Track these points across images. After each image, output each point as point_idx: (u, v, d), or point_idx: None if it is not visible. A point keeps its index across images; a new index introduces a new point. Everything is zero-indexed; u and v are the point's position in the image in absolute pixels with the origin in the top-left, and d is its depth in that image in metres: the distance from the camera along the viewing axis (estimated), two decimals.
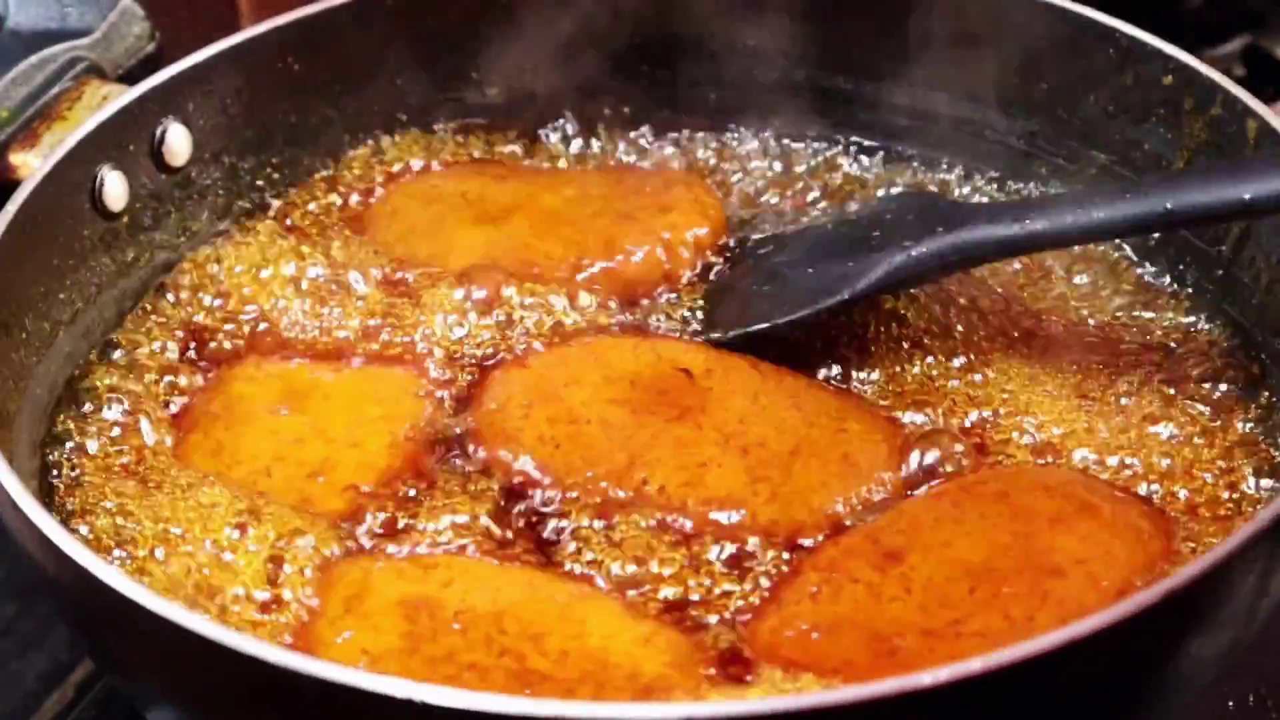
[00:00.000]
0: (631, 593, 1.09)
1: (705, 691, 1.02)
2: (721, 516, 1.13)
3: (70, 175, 1.23)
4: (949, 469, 1.16)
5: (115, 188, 1.26)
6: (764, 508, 1.13)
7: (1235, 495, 1.15)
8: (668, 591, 1.09)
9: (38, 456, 1.17)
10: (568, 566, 1.10)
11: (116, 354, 1.26)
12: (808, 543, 1.12)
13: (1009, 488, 1.14)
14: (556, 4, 1.39)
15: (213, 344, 1.27)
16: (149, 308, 1.29)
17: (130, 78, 1.34)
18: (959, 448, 1.17)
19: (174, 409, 1.22)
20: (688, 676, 1.03)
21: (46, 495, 1.15)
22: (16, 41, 1.33)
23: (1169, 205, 1.16)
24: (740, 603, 1.09)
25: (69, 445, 1.19)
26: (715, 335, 1.25)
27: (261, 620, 1.07)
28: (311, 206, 1.37)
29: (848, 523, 1.13)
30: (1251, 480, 1.16)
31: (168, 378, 1.24)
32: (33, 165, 1.25)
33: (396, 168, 1.40)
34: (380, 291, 1.29)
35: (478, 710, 0.90)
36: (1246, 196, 1.13)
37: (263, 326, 1.28)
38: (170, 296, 1.30)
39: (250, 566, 1.10)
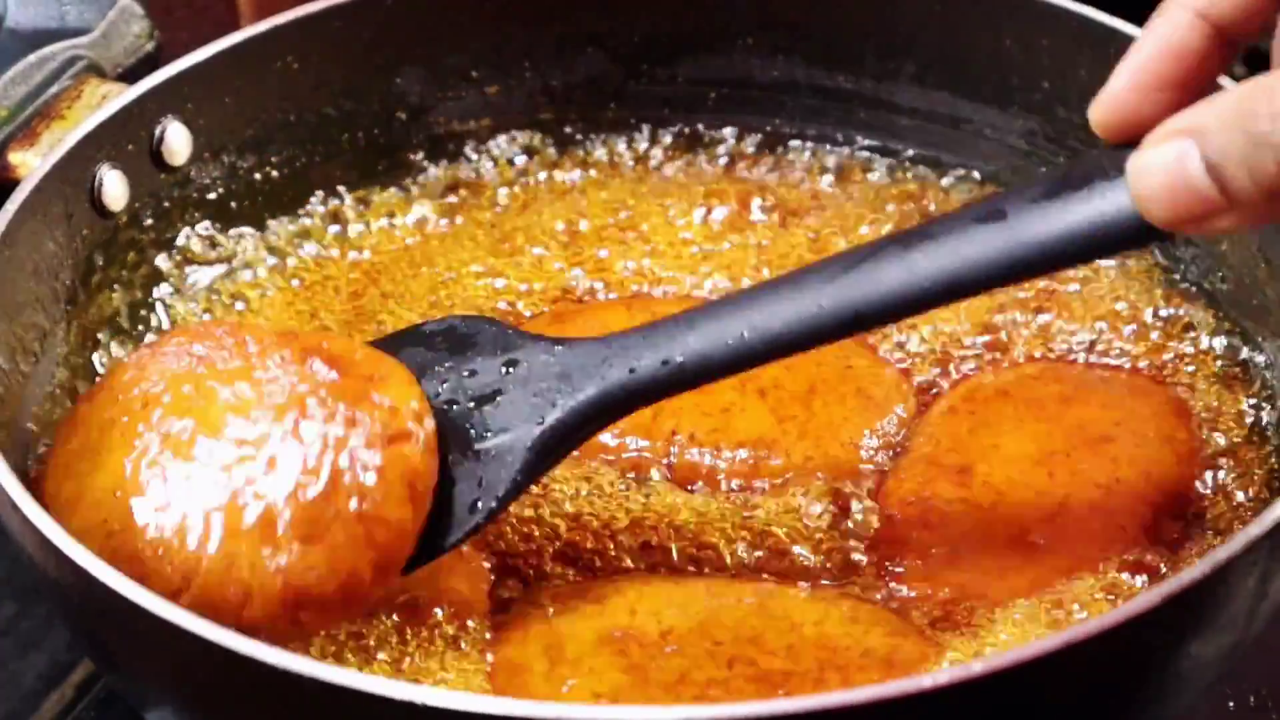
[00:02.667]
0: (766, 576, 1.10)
1: (943, 649, 1.04)
2: (759, 456, 1.15)
3: (69, 174, 1.23)
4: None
5: (114, 187, 1.26)
6: (796, 445, 1.16)
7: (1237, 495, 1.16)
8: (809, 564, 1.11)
9: (38, 457, 1.16)
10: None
11: (116, 353, 1.26)
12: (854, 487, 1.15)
13: (1003, 387, 1.19)
14: (556, 3, 1.39)
15: None
16: (149, 307, 1.29)
17: (129, 77, 1.33)
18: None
19: None
20: (917, 641, 1.04)
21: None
22: (15, 40, 1.33)
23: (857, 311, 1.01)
24: (862, 559, 1.12)
25: None
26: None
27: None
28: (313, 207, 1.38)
29: (878, 456, 1.16)
30: (1252, 472, 1.16)
31: None
32: (32, 164, 1.25)
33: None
34: None
35: (478, 711, 0.90)
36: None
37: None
38: (170, 296, 1.30)
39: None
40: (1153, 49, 0.97)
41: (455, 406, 1.06)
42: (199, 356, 1.08)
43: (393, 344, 1.11)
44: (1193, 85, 0.96)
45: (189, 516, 1.01)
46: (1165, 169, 0.91)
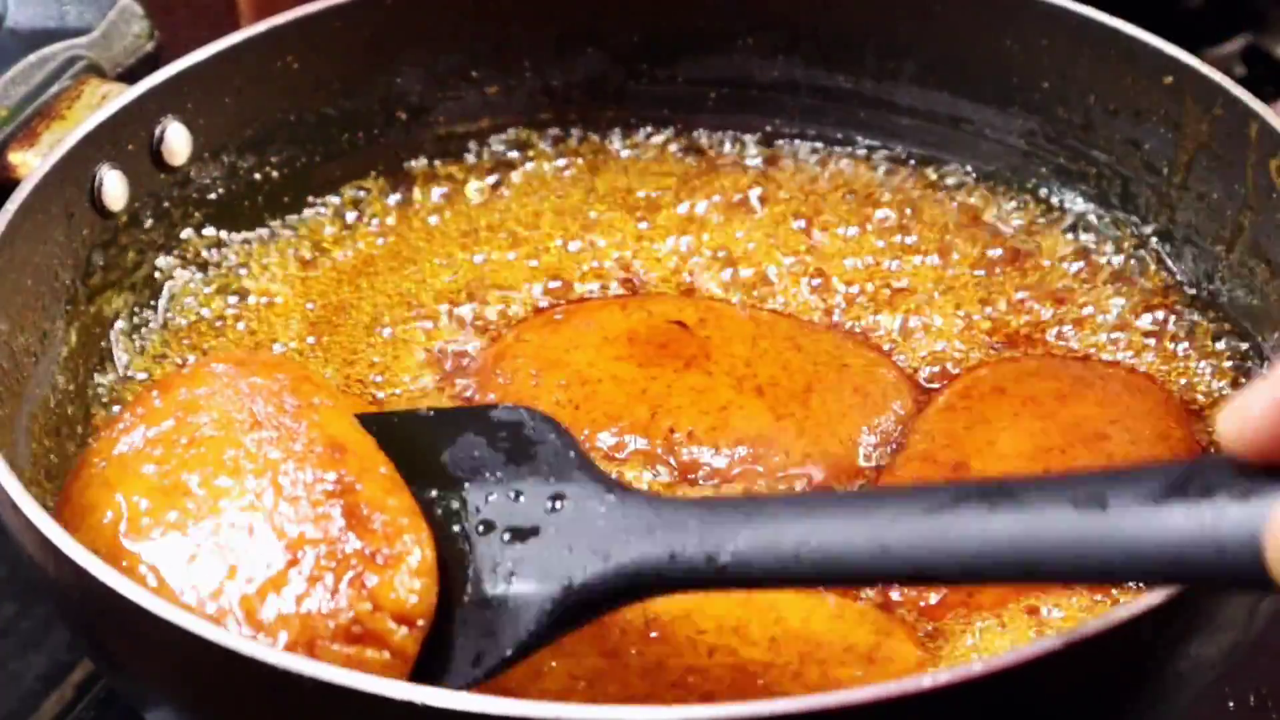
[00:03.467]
0: None
1: (929, 649, 1.04)
2: (759, 453, 1.15)
3: (69, 174, 1.23)
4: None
5: (114, 187, 1.26)
6: (795, 443, 1.16)
7: None
8: None
9: (37, 457, 1.16)
10: None
11: (116, 353, 1.26)
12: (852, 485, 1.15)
13: (999, 383, 1.19)
14: (556, 3, 1.39)
15: (212, 345, 1.27)
16: (149, 307, 1.29)
17: (129, 76, 1.33)
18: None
19: None
20: (902, 639, 1.04)
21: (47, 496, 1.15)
22: (15, 40, 1.33)
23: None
24: None
25: (69, 447, 1.19)
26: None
27: None
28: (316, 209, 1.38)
29: (875, 453, 1.16)
30: None
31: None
32: (32, 164, 1.25)
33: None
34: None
35: (478, 711, 0.90)
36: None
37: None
38: (170, 296, 1.30)
39: None
40: None
41: (489, 532, 0.99)
42: (228, 419, 1.04)
43: (455, 424, 1.03)
44: None
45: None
46: None
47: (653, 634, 1.04)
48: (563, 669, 1.02)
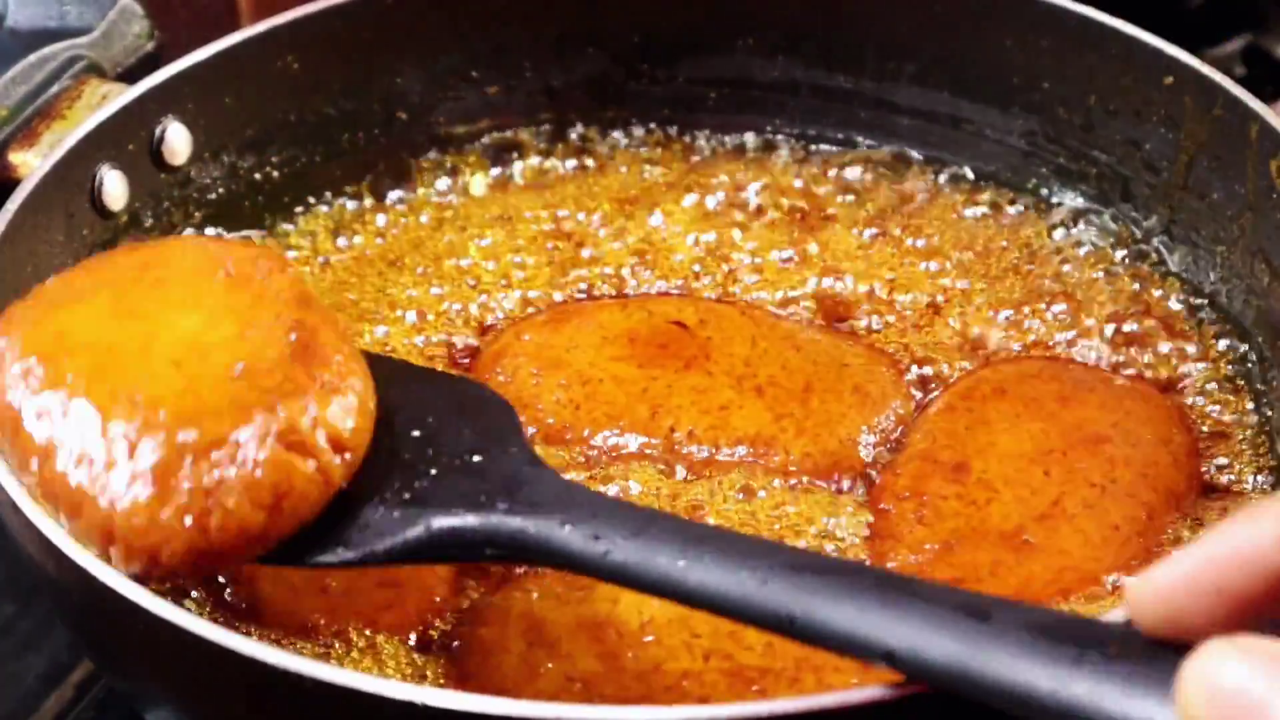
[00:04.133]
0: None
1: None
2: (759, 453, 1.15)
3: (70, 174, 1.23)
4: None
5: (115, 187, 1.26)
6: (795, 442, 1.16)
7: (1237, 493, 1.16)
8: None
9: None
10: None
11: None
12: (847, 484, 1.15)
13: (1001, 384, 1.19)
14: (556, 3, 1.39)
15: None
16: None
17: (129, 76, 1.33)
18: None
19: None
20: None
21: None
22: (15, 40, 1.33)
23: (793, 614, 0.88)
24: (853, 544, 1.11)
25: None
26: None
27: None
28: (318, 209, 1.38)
29: (874, 452, 1.16)
30: (1250, 479, 1.16)
31: None
32: (32, 164, 1.25)
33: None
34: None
35: (478, 711, 0.90)
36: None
37: None
38: None
39: None
40: (1225, 552, 0.80)
41: (406, 449, 1.02)
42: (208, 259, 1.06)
43: (420, 375, 1.09)
44: (1263, 605, 0.80)
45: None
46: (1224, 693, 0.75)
47: (648, 638, 1.04)
48: (559, 670, 1.02)
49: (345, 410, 1.00)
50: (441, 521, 0.98)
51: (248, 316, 1.02)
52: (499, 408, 1.05)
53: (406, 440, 1.02)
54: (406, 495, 0.99)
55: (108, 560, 0.97)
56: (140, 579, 0.97)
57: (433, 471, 1.00)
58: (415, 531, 0.98)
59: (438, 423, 1.03)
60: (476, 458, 1.01)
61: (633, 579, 0.93)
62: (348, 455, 0.99)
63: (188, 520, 0.96)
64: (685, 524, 0.98)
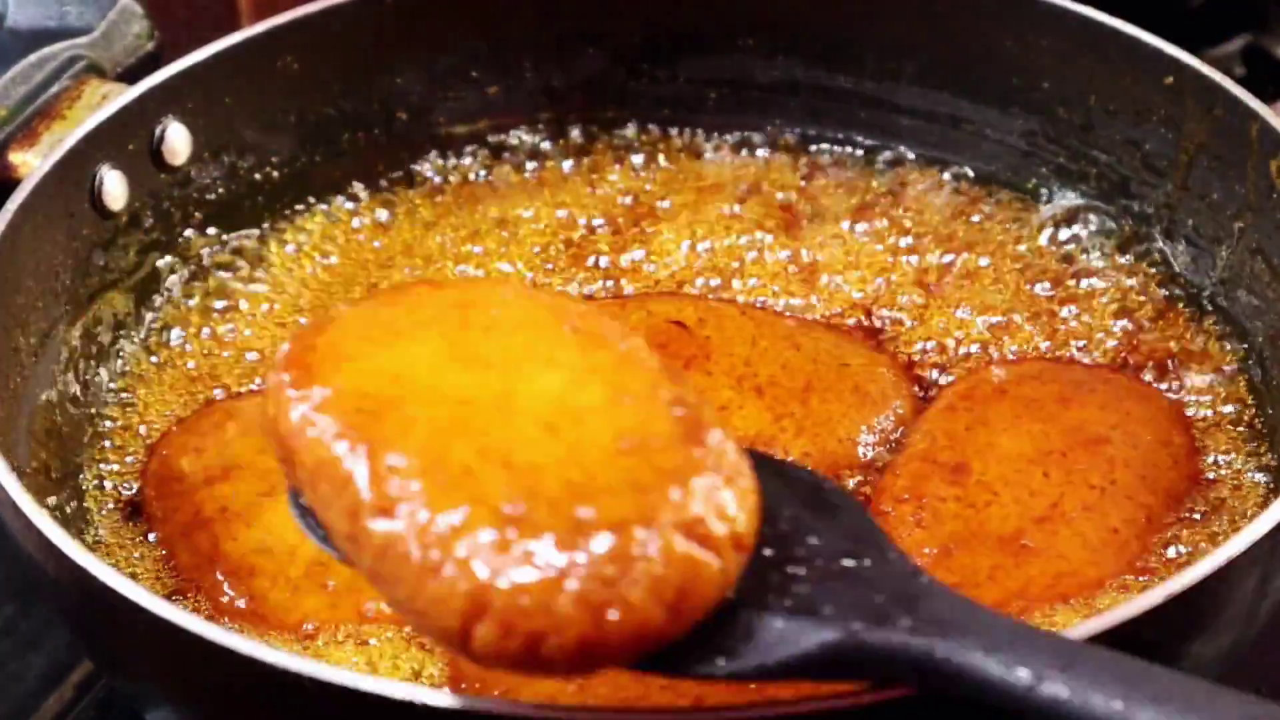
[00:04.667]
0: None
1: None
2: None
3: (70, 174, 1.23)
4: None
5: (115, 187, 1.26)
6: (794, 442, 1.16)
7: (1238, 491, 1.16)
8: None
9: (37, 457, 1.17)
10: None
11: (116, 353, 1.26)
12: (851, 483, 1.15)
13: (1001, 385, 1.19)
14: (556, 3, 1.39)
15: (213, 345, 1.27)
16: (149, 308, 1.29)
17: (130, 76, 1.33)
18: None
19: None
20: None
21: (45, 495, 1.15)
22: (15, 40, 1.33)
23: None
24: None
25: (70, 447, 1.19)
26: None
27: None
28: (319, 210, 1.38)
29: (873, 452, 1.17)
30: (1250, 479, 1.16)
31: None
32: (32, 164, 1.25)
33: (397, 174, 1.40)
34: None
35: (476, 711, 0.90)
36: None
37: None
38: (170, 296, 1.30)
39: None
40: None
41: (780, 550, 0.90)
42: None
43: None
44: None
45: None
46: None
47: None
48: None
49: (740, 500, 0.88)
50: (839, 637, 0.86)
51: (617, 382, 0.91)
52: (851, 503, 0.94)
53: (766, 535, 0.90)
54: (788, 602, 0.87)
55: (457, 638, 0.85)
56: (500, 664, 0.85)
57: (803, 573, 0.89)
58: (808, 646, 0.86)
59: (794, 516, 0.92)
60: (851, 561, 0.89)
61: (1062, 718, 0.82)
62: (741, 556, 0.88)
63: (584, 610, 0.83)
64: (1119, 658, 0.84)
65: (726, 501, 0.87)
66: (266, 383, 0.94)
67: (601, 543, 0.84)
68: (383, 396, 0.90)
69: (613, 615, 0.83)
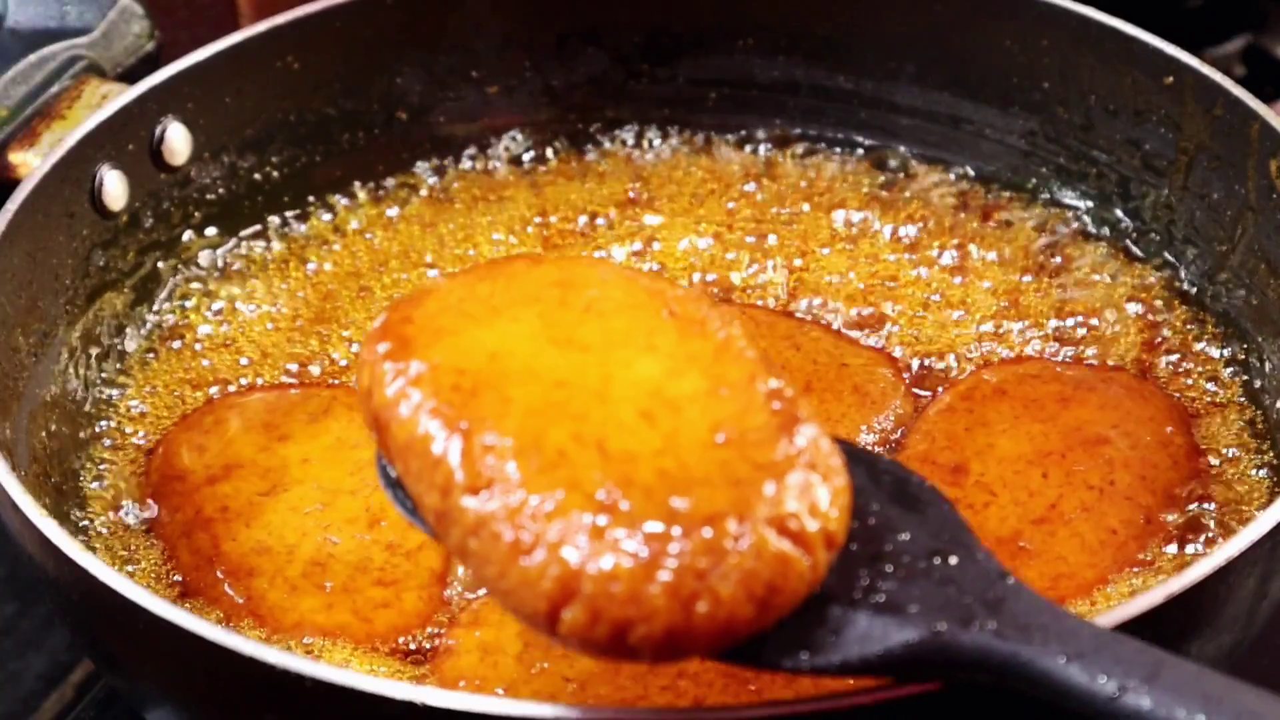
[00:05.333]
0: None
1: None
2: None
3: (70, 174, 1.23)
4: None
5: (115, 187, 1.26)
6: None
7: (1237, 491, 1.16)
8: None
9: (37, 457, 1.17)
10: None
11: (116, 353, 1.26)
12: None
13: (1001, 385, 1.19)
14: (556, 3, 1.39)
15: (212, 345, 1.27)
16: (149, 308, 1.29)
17: (129, 76, 1.33)
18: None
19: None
20: None
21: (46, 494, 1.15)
22: (15, 40, 1.33)
23: None
24: None
25: (69, 446, 1.19)
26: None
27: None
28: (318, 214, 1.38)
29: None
30: (1250, 479, 1.16)
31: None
32: (32, 164, 1.25)
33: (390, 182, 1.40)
34: None
35: (476, 711, 0.90)
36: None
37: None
38: (170, 296, 1.30)
39: None
40: None
41: (864, 547, 0.90)
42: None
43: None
44: None
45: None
46: None
47: None
48: (555, 670, 1.02)
49: (834, 498, 0.88)
50: (923, 636, 0.86)
51: (715, 372, 0.91)
52: (939, 498, 0.93)
53: (854, 530, 0.90)
54: (876, 599, 0.87)
55: (544, 620, 0.85)
56: (585, 649, 0.85)
57: (890, 569, 0.88)
58: (892, 644, 0.86)
59: (882, 511, 0.91)
60: (939, 559, 0.89)
61: None
62: (831, 553, 0.88)
63: (674, 601, 0.84)
64: (1203, 672, 0.83)
65: (820, 498, 0.87)
66: (360, 354, 0.94)
67: (694, 534, 0.84)
68: (479, 374, 0.90)
69: (702, 607, 0.84)
